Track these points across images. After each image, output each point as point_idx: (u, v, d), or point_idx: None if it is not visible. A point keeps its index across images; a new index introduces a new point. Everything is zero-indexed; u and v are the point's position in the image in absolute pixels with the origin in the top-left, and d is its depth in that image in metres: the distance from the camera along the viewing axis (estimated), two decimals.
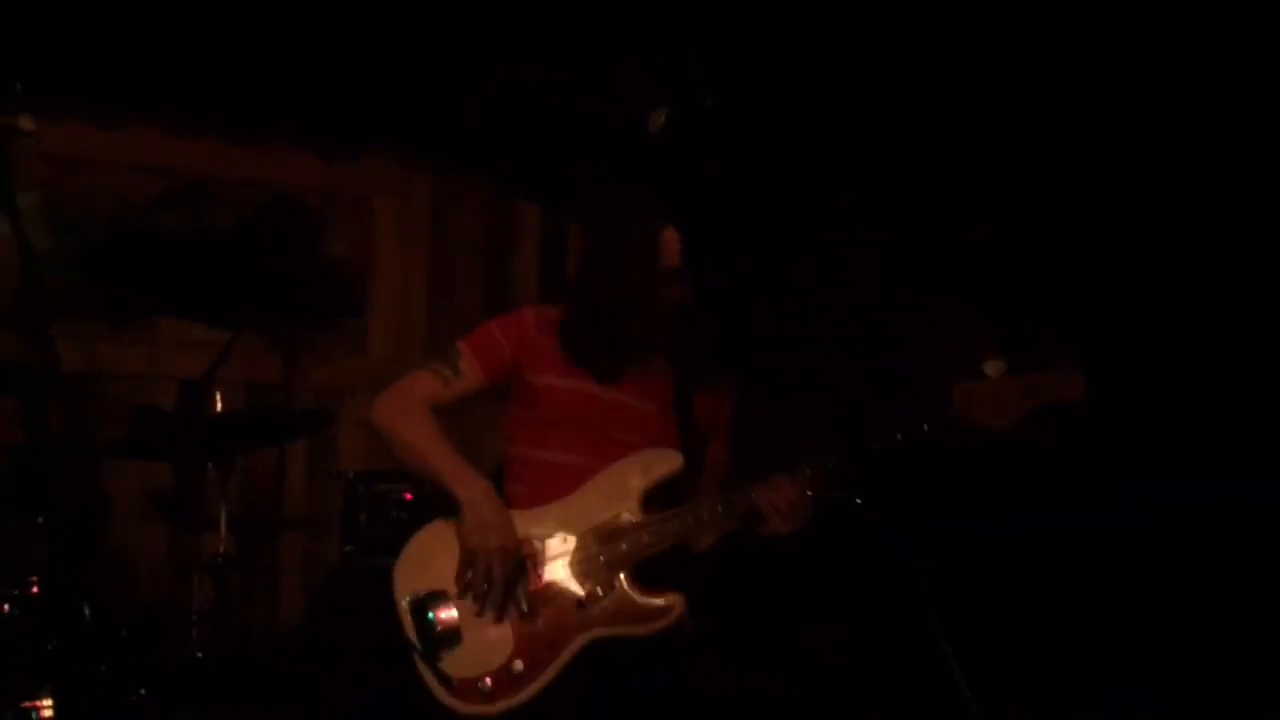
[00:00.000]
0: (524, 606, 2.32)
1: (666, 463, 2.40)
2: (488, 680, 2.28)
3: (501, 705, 2.27)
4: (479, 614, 2.32)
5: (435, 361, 2.49)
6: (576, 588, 2.33)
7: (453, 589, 2.35)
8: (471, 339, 2.49)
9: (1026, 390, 2.34)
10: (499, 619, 2.32)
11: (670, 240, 2.47)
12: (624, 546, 2.34)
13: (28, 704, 3.05)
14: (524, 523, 2.37)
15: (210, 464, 3.68)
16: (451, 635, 2.31)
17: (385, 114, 4.62)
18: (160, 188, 4.55)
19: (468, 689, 2.28)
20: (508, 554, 2.32)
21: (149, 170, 4.54)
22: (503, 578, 2.31)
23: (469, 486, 2.34)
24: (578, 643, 2.30)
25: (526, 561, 2.34)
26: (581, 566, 2.34)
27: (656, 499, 2.40)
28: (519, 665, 2.28)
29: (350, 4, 4.00)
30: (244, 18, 4.01)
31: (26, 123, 3.18)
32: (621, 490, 2.38)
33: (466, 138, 4.78)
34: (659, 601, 2.32)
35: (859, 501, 2.50)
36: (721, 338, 2.59)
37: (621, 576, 2.34)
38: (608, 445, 2.41)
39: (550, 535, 2.37)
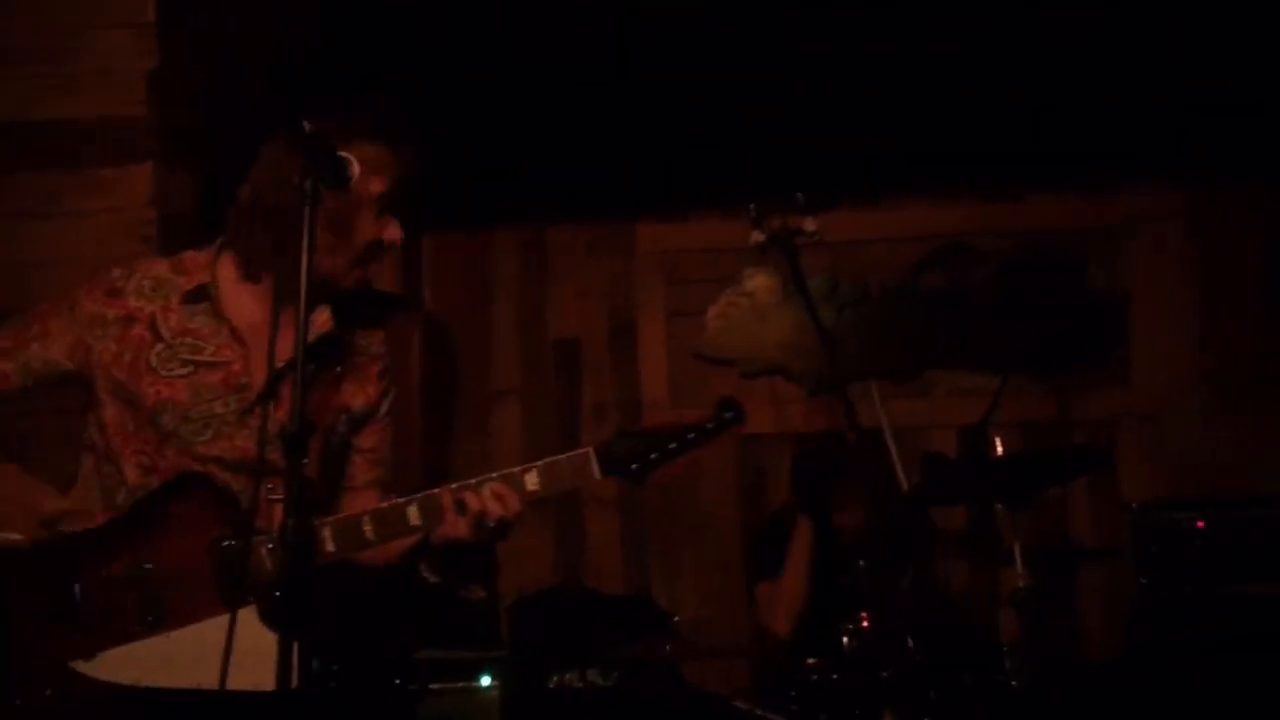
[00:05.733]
0: None
1: None
2: None
3: None
4: None
5: None
6: None
7: None
8: None
9: None
10: None
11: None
12: None
13: None
14: None
15: (999, 504, 3.91)
16: None
17: (1140, 145, 4.63)
18: (920, 253, 4.98)
19: None
20: None
21: (909, 240, 4.99)
22: None
23: None
24: None
25: None
26: None
27: None
28: None
29: None
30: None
31: (810, 224, 3.69)
32: None
33: (1226, 151, 4.62)
34: None
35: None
36: None
37: None
38: None
39: None
